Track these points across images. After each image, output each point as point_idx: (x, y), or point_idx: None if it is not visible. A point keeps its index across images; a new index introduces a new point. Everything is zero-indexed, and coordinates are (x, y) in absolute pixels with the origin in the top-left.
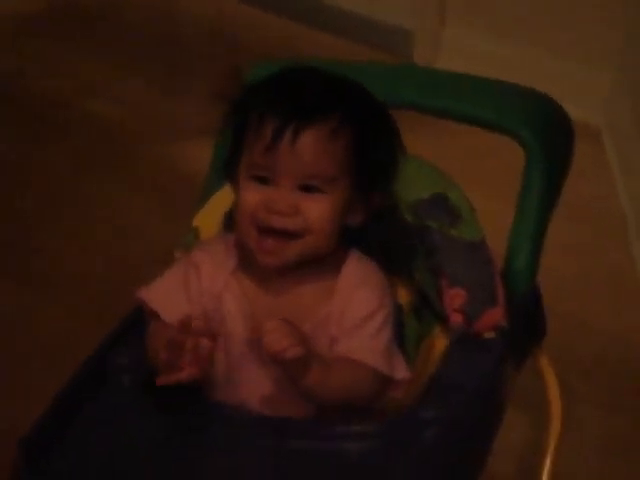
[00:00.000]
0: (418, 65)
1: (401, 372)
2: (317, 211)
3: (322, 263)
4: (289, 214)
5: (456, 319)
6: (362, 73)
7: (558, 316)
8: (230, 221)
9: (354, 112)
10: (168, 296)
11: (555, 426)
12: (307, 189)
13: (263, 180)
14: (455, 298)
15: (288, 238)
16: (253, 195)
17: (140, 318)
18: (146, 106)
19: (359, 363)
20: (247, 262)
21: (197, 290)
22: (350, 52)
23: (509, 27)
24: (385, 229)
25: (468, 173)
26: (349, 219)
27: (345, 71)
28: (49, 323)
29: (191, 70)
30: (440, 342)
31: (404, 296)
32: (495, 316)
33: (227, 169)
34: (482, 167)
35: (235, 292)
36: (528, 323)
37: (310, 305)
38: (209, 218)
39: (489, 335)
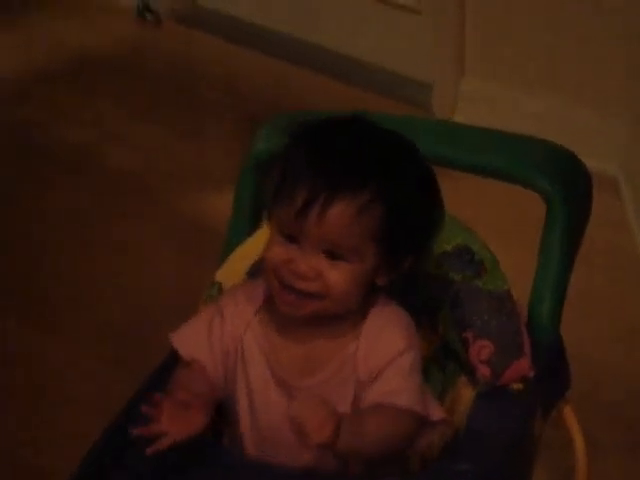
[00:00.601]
0: (437, 118)
1: (437, 413)
2: (338, 279)
3: (345, 317)
4: (310, 278)
5: (483, 371)
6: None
7: (579, 364)
8: (255, 269)
9: (389, 187)
10: (193, 339)
11: (581, 474)
12: (331, 255)
13: (291, 238)
14: (482, 350)
15: (307, 297)
16: (279, 251)
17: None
18: (164, 154)
19: (394, 407)
20: (270, 304)
21: (219, 333)
22: (370, 104)
23: (527, 77)
24: (409, 282)
25: (487, 224)
26: (377, 280)
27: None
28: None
29: (208, 119)
30: (466, 394)
31: (425, 348)
32: (522, 367)
33: (269, 213)
34: (501, 217)
35: (256, 332)
36: (553, 374)
37: (332, 348)
38: (232, 274)
39: (517, 386)
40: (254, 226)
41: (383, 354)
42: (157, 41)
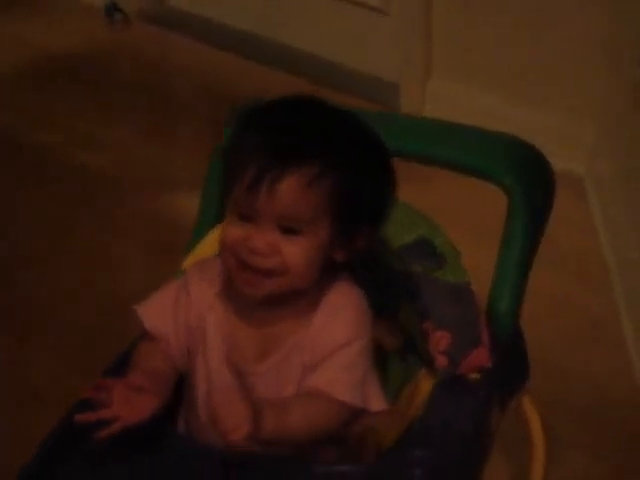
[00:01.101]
0: (404, 113)
1: (378, 403)
2: (294, 253)
3: (304, 293)
4: (267, 254)
5: (442, 361)
6: None
7: (542, 364)
8: None
9: (338, 159)
10: (158, 312)
11: (538, 468)
12: (286, 230)
13: (246, 217)
14: (440, 340)
15: (265, 275)
16: (235, 230)
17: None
18: (134, 156)
19: (327, 397)
20: (230, 286)
21: (185, 308)
22: (339, 104)
23: (494, 79)
24: (369, 272)
25: (456, 220)
26: (335, 255)
27: None
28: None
29: (178, 121)
30: (425, 385)
31: (388, 339)
32: (480, 357)
33: (224, 202)
34: (470, 214)
35: (219, 314)
36: (512, 366)
37: (286, 332)
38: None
39: (474, 376)
40: (222, 215)
41: (330, 342)
42: (126, 41)
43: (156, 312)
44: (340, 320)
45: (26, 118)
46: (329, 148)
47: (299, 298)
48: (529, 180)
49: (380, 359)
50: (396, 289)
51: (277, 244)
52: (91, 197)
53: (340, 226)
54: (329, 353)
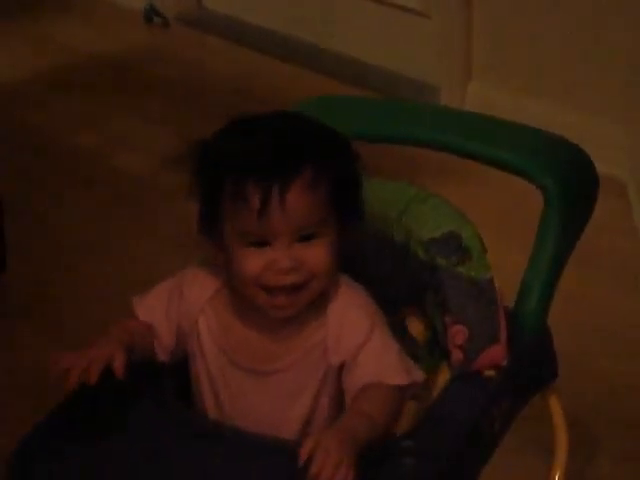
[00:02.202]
0: (447, 106)
1: (418, 374)
2: (318, 257)
3: None
4: (294, 269)
5: (457, 356)
6: (389, 111)
7: (579, 366)
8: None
9: (323, 155)
10: (151, 305)
11: (560, 463)
12: (303, 238)
13: (261, 243)
14: (457, 335)
15: (297, 290)
16: (255, 262)
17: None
18: (169, 158)
19: (381, 387)
20: (230, 294)
21: (176, 307)
22: None
23: (534, 81)
24: (399, 265)
25: (491, 216)
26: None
27: (378, 107)
28: None
29: (215, 124)
30: (442, 378)
31: (420, 330)
32: (495, 354)
33: (205, 230)
34: (509, 212)
35: (209, 317)
36: (536, 365)
37: (298, 333)
38: None
39: (489, 373)
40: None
41: (353, 338)
42: (164, 45)
43: (150, 305)
44: (355, 314)
45: (64, 120)
46: (311, 147)
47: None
48: (566, 179)
49: (410, 351)
50: (423, 282)
51: (299, 256)
52: (136, 198)
53: (340, 216)
54: (357, 349)
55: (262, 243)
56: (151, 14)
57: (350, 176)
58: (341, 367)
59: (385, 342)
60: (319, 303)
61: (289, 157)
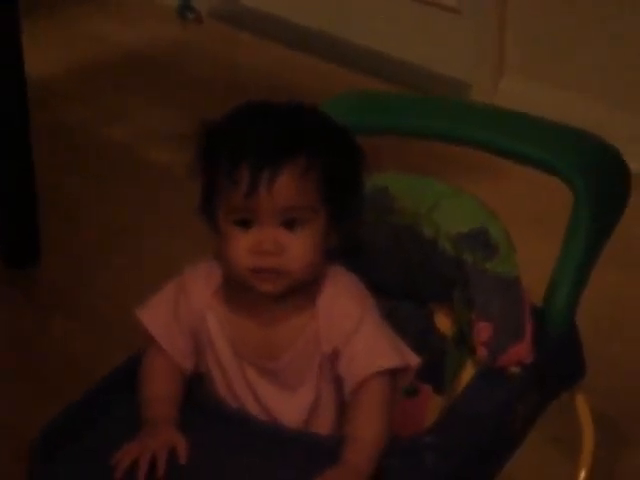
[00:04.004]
0: (478, 102)
1: (413, 358)
2: (300, 247)
3: (305, 285)
4: (276, 253)
5: (482, 352)
6: (420, 106)
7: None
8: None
9: (319, 145)
10: (162, 316)
11: (586, 462)
12: (289, 224)
13: (246, 223)
14: (482, 331)
15: (277, 274)
16: (240, 242)
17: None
18: None
19: (375, 382)
20: (228, 286)
21: (185, 308)
22: None
23: (567, 78)
24: (427, 260)
25: (521, 212)
26: (329, 241)
27: (410, 103)
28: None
29: None
30: (468, 374)
31: (448, 326)
32: (520, 352)
33: (205, 210)
34: (539, 209)
35: (218, 312)
36: (562, 363)
37: (293, 327)
38: None
39: (514, 370)
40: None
41: (344, 325)
42: (198, 40)
43: (159, 316)
44: (345, 302)
45: (96, 114)
46: (309, 137)
47: (298, 291)
48: (597, 180)
49: (439, 348)
50: (451, 278)
51: (283, 242)
52: (168, 192)
53: (332, 210)
54: (348, 337)
55: (248, 222)
56: (185, 10)
57: (346, 174)
58: (334, 354)
59: (376, 328)
60: (312, 294)
61: (285, 144)
